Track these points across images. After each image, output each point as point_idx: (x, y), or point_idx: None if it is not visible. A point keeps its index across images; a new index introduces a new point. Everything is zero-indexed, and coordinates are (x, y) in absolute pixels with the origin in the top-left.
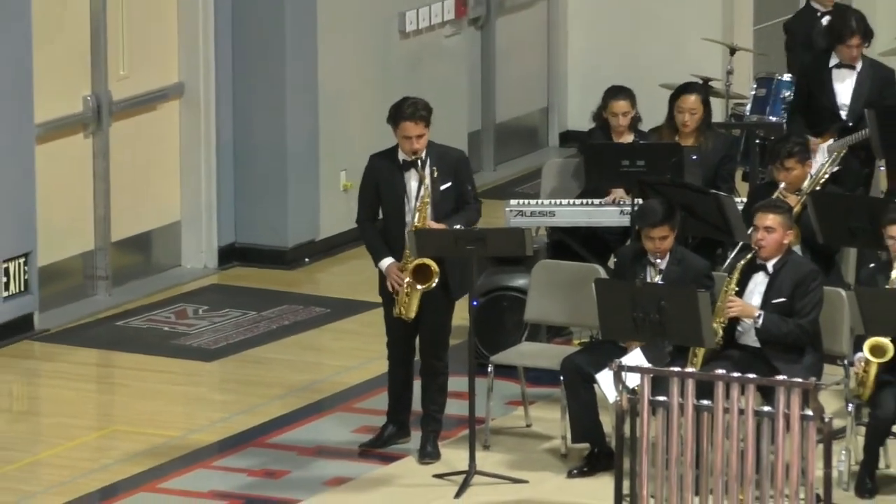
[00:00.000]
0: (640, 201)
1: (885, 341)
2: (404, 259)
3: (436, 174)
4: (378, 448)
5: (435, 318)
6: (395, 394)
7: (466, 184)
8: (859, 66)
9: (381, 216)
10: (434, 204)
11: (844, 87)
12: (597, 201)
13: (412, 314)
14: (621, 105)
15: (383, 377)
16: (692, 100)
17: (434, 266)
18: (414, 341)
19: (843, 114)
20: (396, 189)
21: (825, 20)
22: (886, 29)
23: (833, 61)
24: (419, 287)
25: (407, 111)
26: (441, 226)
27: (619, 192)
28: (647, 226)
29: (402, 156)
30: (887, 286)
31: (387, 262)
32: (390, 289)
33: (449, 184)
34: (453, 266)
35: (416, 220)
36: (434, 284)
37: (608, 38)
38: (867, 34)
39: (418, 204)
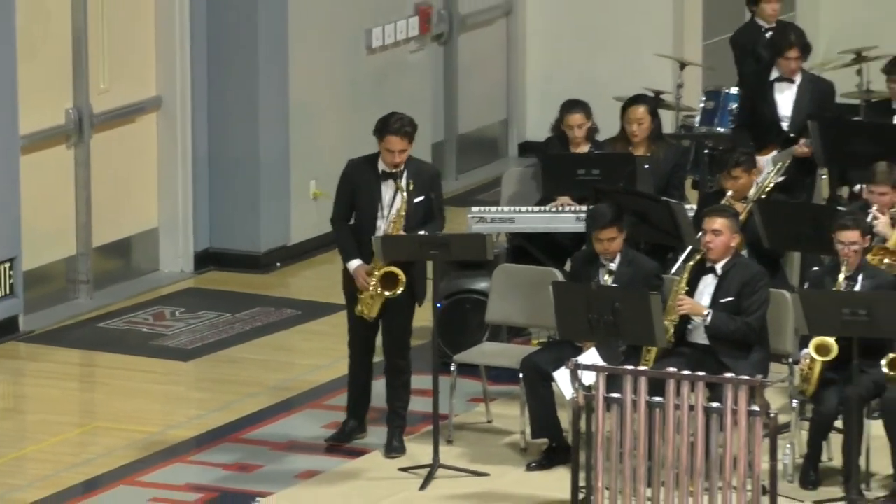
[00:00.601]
0: (592, 207)
1: (831, 341)
2: (373, 263)
3: (411, 187)
4: (341, 442)
5: (398, 320)
6: (356, 391)
7: (437, 199)
8: (799, 79)
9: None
10: (407, 215)
11: (785, 99)
12: (551, 208)
13: (374, 314)
14: (576, 118)
15: None
16: (640, 111)
17: (402, 276)
18: (374, 340)
19: (785, 125)
20: (372, 196)
21: (769, 35)
22: (828, 44)
23: (774, 74)
24: (386, 294)
25: (394, 126)
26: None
27: (564, 199)
28: (596, 228)
29: (381, 166)
30: (834, 288)
31: (355, 262)
32: (359, 287)
33: (422, 197)
34: (419, 272)
35: (389, 229)
36: (399, 293)
37: (565, 54)
38: (805, 48)
39: (394, 214)
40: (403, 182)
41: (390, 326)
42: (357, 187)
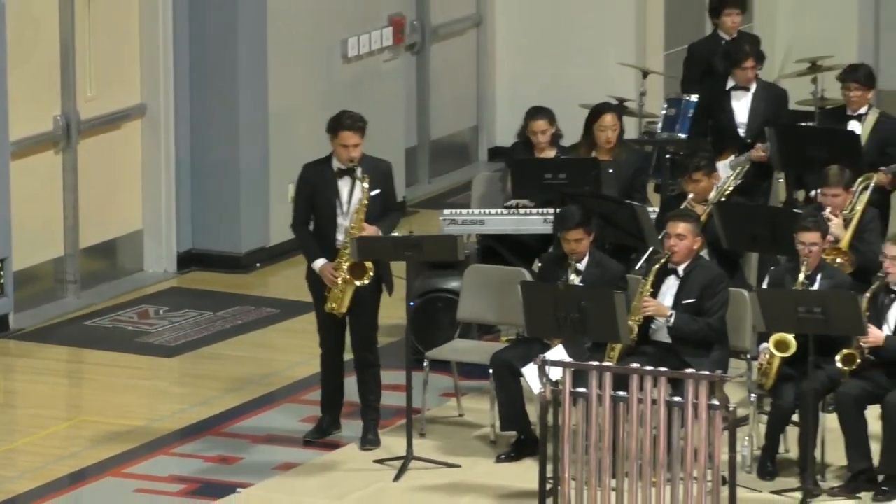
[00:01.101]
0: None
1: (789, 337)
2: (338, 258)
3: (367, 182)
4: (319, 438)
5: (365, 316)
6: (330, 388)
7: (391, 192)
8: (754, 87)
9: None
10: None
11: (741, 107)
12: (520, 210)
13: (344, 309)
14: (540, 124)
15: None
16: (609, 118)
17: (369, 263)
18: (344, 338)
19: (742, 131)
20: (329, 195)
21: (726, 46)
22: (785, 54)
23: (730, 84)
24: (356, 283)
25: (346, 122)
26: (374, 228)
27: (522, 203)
28: (563, 229)
29: (336, 164)
30: (794, 286)
31: (320, 262)
32: (329, 284)
33: (378, 191)
34: (384, 265)
35: (352, 222)
36: (368, 281)
37: (533, 63)
38: (760, 58)
39: (357, 206)
40: (359, 172)
41: (357, 322)
42: (315, 188)
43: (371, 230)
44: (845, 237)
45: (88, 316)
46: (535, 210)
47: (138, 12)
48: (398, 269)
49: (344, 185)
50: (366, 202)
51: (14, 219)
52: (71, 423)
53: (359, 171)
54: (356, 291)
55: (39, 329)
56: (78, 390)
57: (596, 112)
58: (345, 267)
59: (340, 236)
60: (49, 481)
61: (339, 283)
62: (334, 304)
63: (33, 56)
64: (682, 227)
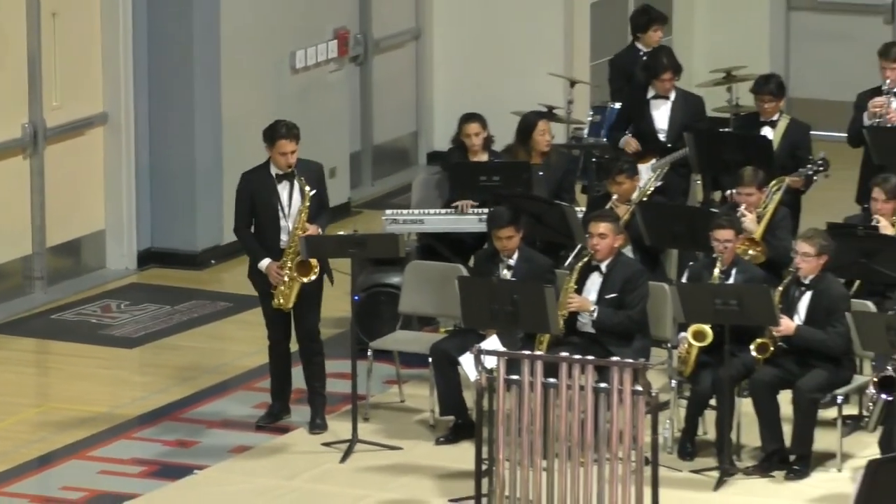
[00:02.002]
0: (492, 209)
1: (707, 328)
2: (284, 257)
3: (304, 184)
4: (271, 423)
5: (308, 308)
6: (277, 376)
7: (324, 191)
8: (673, 96)
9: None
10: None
11: (661, 114)
12: (457, 210)
13: (291, 304)
14: (473, 127)
15: None
16: (544, 124)
17: (314, 261)
18: (290, 330)
19: (662, 137)
20: (271, 199)
21: (645, 59)
22: (703, 65)
23: (650, 93)
24: (303, 280)
25: (282, 131)
26: (315, 227)
27: (464, 203)
28: (495, 227)
29: (274, 170)
30: (711, 280)
31: (266, 262)
32: (273, 283)
33: (315, 191)
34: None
35: (296, 223)
36: (314, 277)
37: (468, 73)
38: (676, 69)
39: (300, 208)
40: (298, 182)
41: (302, 315)
42: (256, 194)
43: (313, 229)
44: (758, 230)
45: (55, 310)
46: (471, 210)
47: (100, 27)
48: (342, 264)
49: (283, 189)
50: (307, 204)
51: None
52: (39, 410)
53: (300, 181)
54: (301, 287)
55: (9, 322)
56: (45, 379)
57: (531, 120)
58: (290, 266)
59: (284, 237)
60: (18, 464)
61: (286, 280)
62: (281, 300)
63: (2, 68)
64: (603, 227)
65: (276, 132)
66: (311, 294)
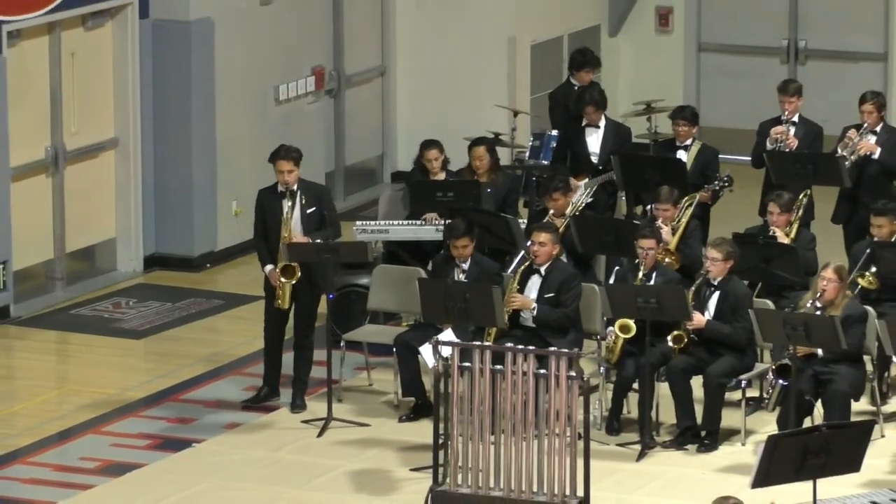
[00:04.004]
0: (449, 221)
1: (631, 322)
2: (279, 262)
3: (304, 201)
4: (255, 404)
5: (304, 309)
6: (270, 363)
7: (329, 211)
8: (603, 124)
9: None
10: (303, 222)
11: (593, 140)
12: (417, 222)
13: (286, 304)
14: (433, 153)
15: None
16: (480, 150)
17: (296, 266)
18: (284, 325)
19: (595, 159)
20: (276, 213)
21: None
22: (627, 98)
23: (584, 122)
24: (284, 281)
25: (281, 152)
26: (306, 239)
27: (431, 215)
28: (452, 237)
29: (279, 188)
30: (634, 283)
31: (269, 267)
32: (274, 286)
33: (314, 209)
34: (317, 270)
35: (283, 232)
36: (296, 280)
37: (426, 104)
38: (598, 104)
39: (284, 220)
40: (297, 197)
41: (299, 313)
42: (265, 208)
43: (303, 239)
44: (673, 241)
45: (73, 306)
46: (434, 220)
47: (112, 65)
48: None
49: (285, 204)
50: (289, 217)
51: (13, 229)
52: (59, 392)
53: (298, 195)
54: (297, 290)
55: (34, 317)
56: (65, 366)
57: (471, 144)
58: (278, 268)
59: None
60: (42, 438)
61: (280, 283)
62: (280, 301)
63: (28, 100)
64: (543, 237)
65: (277, 153)
66: (308, 298)
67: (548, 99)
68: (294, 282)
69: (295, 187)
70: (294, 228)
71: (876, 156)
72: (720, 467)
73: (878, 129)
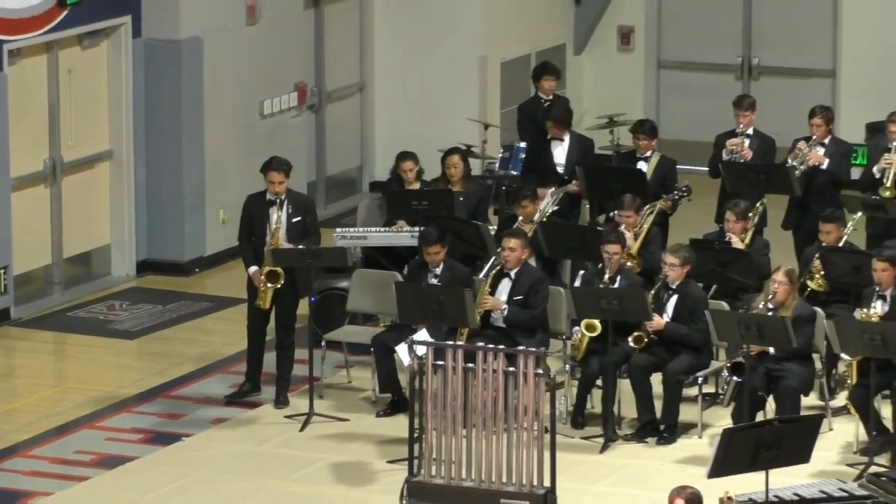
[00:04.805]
0: (422, 228)
1: (596, 322)
2: (264, 266)
3: (291, 210)
4: (237, 399)
5: (285, 310)
6: (252, 361)
7: (312, 220)
8: (567, 137)
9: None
10: (288, 231)
11: (559, 152)
12: (393, 228)
13: (267, 305)
14: (408, 164)
15: None
16: (455, 159)
17: (281, 272)
18: (266, 325)
19: (560, 170)
20: (262, 219)
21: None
22: (590, 112)
23: (550, 135)
24: (270, 286)
25: (273, 164)
26: (290, 245)
27: (402, 223)
28: (425, 244)
29: (269, 196)
30: (600, 285)
31: (252, 269)
32: (256, 286)
33: (299, 218)
34: (299, 275)
35: (270, 239)
36: (280, 285)
37: (402, 118)
38: (558, 119)
39: (273, 228)
40: (285, 207)
41: (279, 315)
42: (252, 214)
43: (287, 246)
44: (635, 246)
45: (70, 308)
46: (405, 228)
47: (107, 81)
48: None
49: (273, 212)
50: (278, 226)
51: (14, 236)
52: (56, 389)
53: (285, 206)
54: (278, 293)
55: (33, 318)
56: (62, 364)
57: (445, 154)
58: (264, 272)
59: None
60: (40, 432)
61: (263, 285)
62: (260, 302)
63: (28, 114)
64: (513, 242)
65: (269, 164)
66: (288, 299)
67: (516, 112)
68: (279, 286)
69: (283, 197)
70: (279, 236)
71: (824, 166)
72: (678, 459)
73: (826, 141)
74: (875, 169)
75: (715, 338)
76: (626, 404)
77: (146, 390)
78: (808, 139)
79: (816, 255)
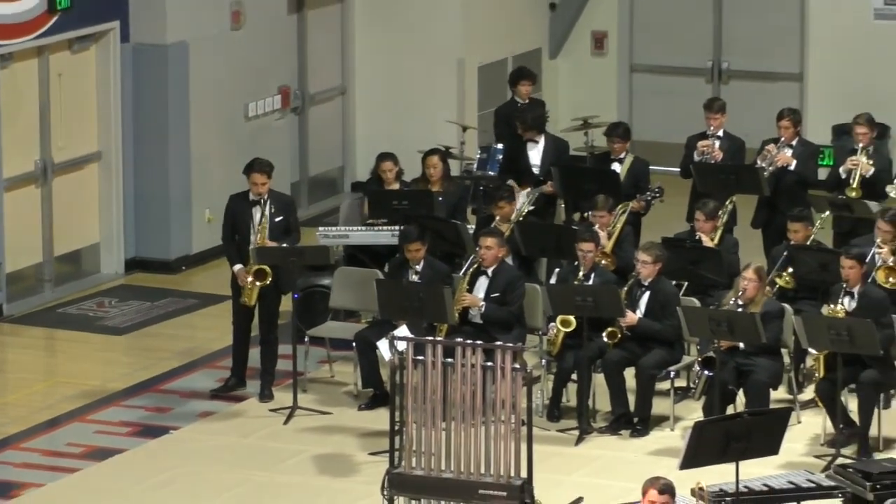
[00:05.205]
0: (403, 227)
1: (571, 318)
2: (249, 265)
3: (273, 210)
4: (223, 393)
5: (268, 307)
6: (237, 356)
7: (293, 220)
8: (542, 139)
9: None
10: (270, 229)
11: (535, 154)
12: (374, 227)
13: (252, 302)
14: (388, 165)
15: None
16: (434, 159)
17: (269, 270)
18: (251, 321)
19: (536, 170)
20: (246, 219)
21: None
22: (565, 115)
23: (525, 137)
24: (258, 284)
25: (256, 165)
26: (274, 244)
27: (381, 222)
28: (405, 242)
29: (251, 196)
30: (575, 283)
31: (237, 267)
32: (240, 284)
33: (281, 218)
34: (282, 272)
35: (257, 238)
36: (268, 282)
37: (382, 120)
38: (534, 125)
39: (259, 227)
40: (268, 206)
41: (263, 311)
42: (235, 213)
43: (271, 244)
44: (609, 244)
45: (60, 305)
46: (386, 227)
47: (95, 85)
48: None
49: (256, 212)
50: (265, 225)
51: (6, 235)
52: (47, 384)
53: (267, 206)
54: (262, 289)
55: (25, 315)
56: (52, 359)
57: (425, 155)
58: (251, 271)
59: None
60: (32, 426)
61: (248, 283)
62: (245, 299)
63: (19, 117)
64: (490, 241)
65: (252, 166)
66: (271, 296)
67: (493, 115)
68: (266, 284)
69: (266, 197)
70: (265, 235)
71: (792, 167)
72: (651, 451)
73: (793, 142)
74: (841, 170)
75: (686, 333)
76: (601, 398)
77: (135, 384)
78: (776, 141)
79: (784, 253)
